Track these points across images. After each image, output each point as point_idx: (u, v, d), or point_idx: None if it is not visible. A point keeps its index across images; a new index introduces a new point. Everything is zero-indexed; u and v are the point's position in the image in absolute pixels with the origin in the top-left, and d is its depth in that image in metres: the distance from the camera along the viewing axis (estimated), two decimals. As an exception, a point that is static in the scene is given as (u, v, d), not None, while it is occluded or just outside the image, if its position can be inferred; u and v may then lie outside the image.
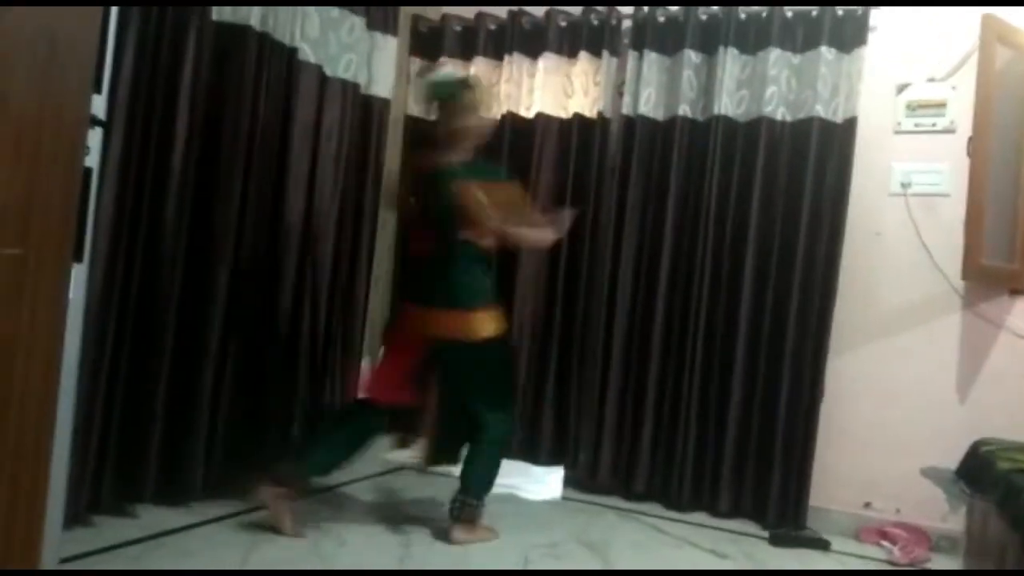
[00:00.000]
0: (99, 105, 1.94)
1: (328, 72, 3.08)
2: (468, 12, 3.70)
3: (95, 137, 1.92)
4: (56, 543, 1.85)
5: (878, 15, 3.11)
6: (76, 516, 2.28)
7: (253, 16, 2.70)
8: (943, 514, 2.96)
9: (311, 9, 2.97)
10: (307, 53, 2.96)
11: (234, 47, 2.66)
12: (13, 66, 1.24)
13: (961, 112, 3.00)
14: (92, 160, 1.91)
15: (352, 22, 3.18)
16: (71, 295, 1.58)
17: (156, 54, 2.43)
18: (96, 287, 2.27)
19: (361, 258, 3.31)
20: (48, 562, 1.65)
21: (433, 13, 3.83)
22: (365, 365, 3.37)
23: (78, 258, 1.85)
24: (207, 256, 2.65)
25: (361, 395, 2.95)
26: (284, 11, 2.82)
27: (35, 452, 1.32)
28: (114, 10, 2.00)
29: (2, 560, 1.24)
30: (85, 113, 1.46)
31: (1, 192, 1.21)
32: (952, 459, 2.67)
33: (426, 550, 2.56)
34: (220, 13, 2.63)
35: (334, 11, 3.10)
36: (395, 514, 2.85)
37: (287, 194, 2.93)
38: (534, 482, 3.48)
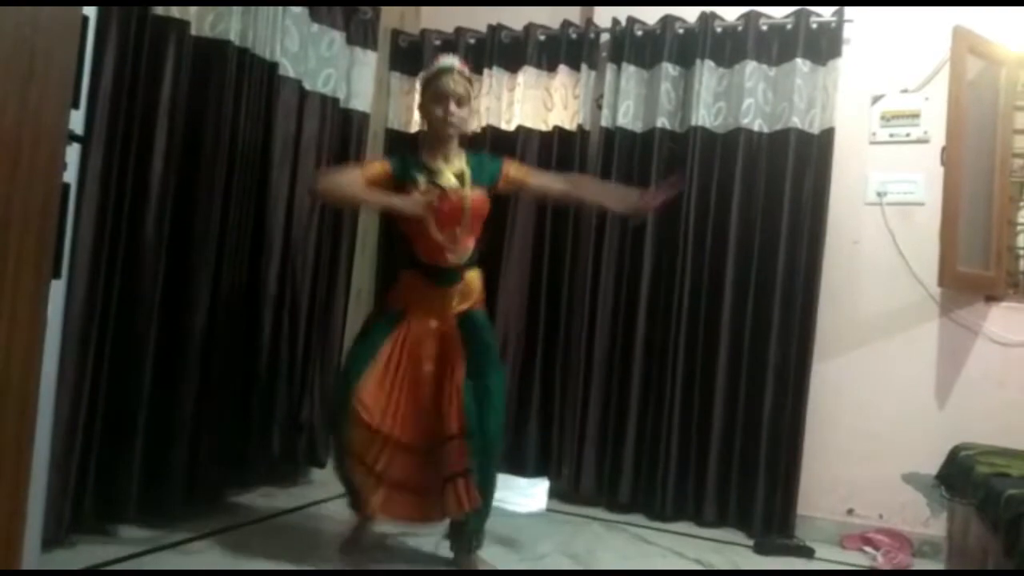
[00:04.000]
0: (77, 120, 1.93)
1: (307, 86, 3.08)
2: (447, 26, 3.72)
3: (73, 153, 1.91)
4: (35, 562, 1.82)
5: (852, 28, 3.17)
6: (56, 537, 2.24)
7: (233, 31, 2.70)
8: (925, 519, 3.01)
9: (291, 24, 2.98)
10: (287, 68, 2.97)
11: (214, 62, 2.66)
12: (-10, 80, 1.23)
13: (934, 122, 3.06)
14: (70, 176, 1.90)
15: (331, 37, 3.19)
16: (49, 312, 1.56)
17: (135, 69, 2.42)
18: (77, 304, 2.25)
19: (339, 273, 3.30)
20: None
21: (412, 28, 3.85)
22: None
23: (56, 274, 1.84)
24: (187, 272, 2.62)
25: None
26: (264, 26, 2.82)
27: (14, 470, 1.29)
28: (92, 25, 2.00)
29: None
30: (64, 128, 1.44)
31: (-22, 207, 1.20)
32: (933, 465, 2.70)
33: (409, 567, 2.53)
34: (200, 28, 2.63)
35: (314, 26, 3.11)
36: (378, 529, 2.82)
37: (267, 208, 2.92)
38: (519, 495, 3.48)
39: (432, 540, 2.65)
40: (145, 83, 2.46)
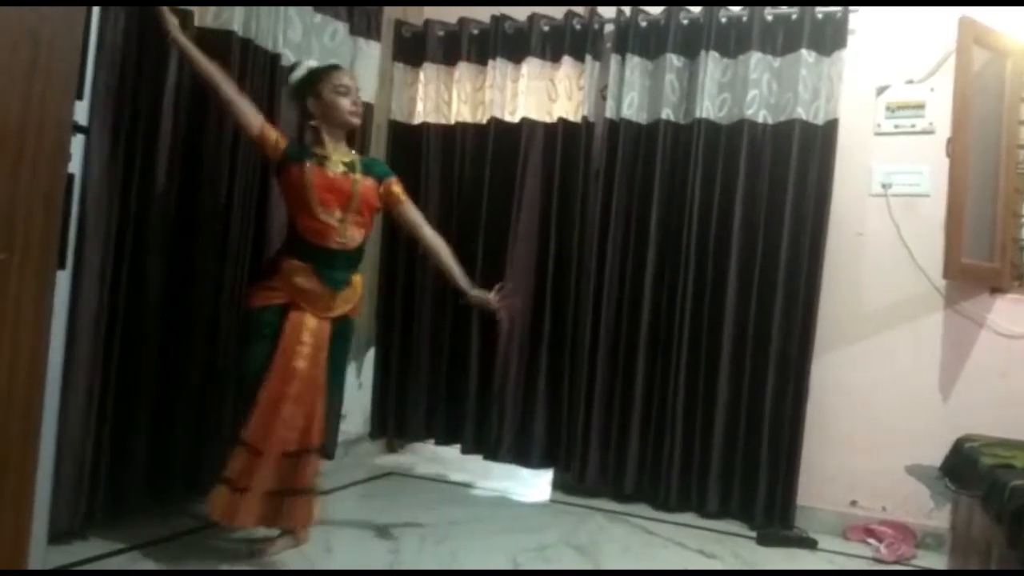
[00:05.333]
0: (81, 111, 1.93)
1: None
2: (451, 17, 3.71)
3: (77, 143, 1.91)
4: (42, 553, 1.83)
5: (857, 18, 3.15)
6: (67, 529, 2.26)
7: (236, 21, 2.69)
8: (928, 511, 3.01)
9: (293, 14, 2.97)
10: (289, 58, 2.95)
11: (217, 52, 2.64)
12: (-5, 70, 1.23)
13: (940, 113, 3.04)
14: (75, 166, 1.91)
15: (335, 27, 3.18)
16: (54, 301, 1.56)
17: (139, 60, 2.42)
18: (84, 296, 2.25)
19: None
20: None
21: (416, 18, 3.83)
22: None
23: (61, 265, 1.84)
24: (193, 261, 2.63)
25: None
26: (267, 17, 2.82)
27: (21, 460, 1.30)
28: (95, 17, 2.00)
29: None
30: (68, 118, 1.45)
31: (-16, 197, 1.20)
32: (936, 457, 2.70)
33: (415, 555, 2.55)
34: (202, 19, 2.63)
35: (316, 16, 3.10)
36: (383, 519, 2.83)
37: (269, 197, 2.92)
38: (523, 484, 3.49)
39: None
40: (149, 73, 2.46)
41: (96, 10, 1.97)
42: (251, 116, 2.39)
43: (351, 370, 3.59)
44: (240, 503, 2.27)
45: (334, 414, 2.43)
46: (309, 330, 2.36)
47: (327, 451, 3.25)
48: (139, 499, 2.53)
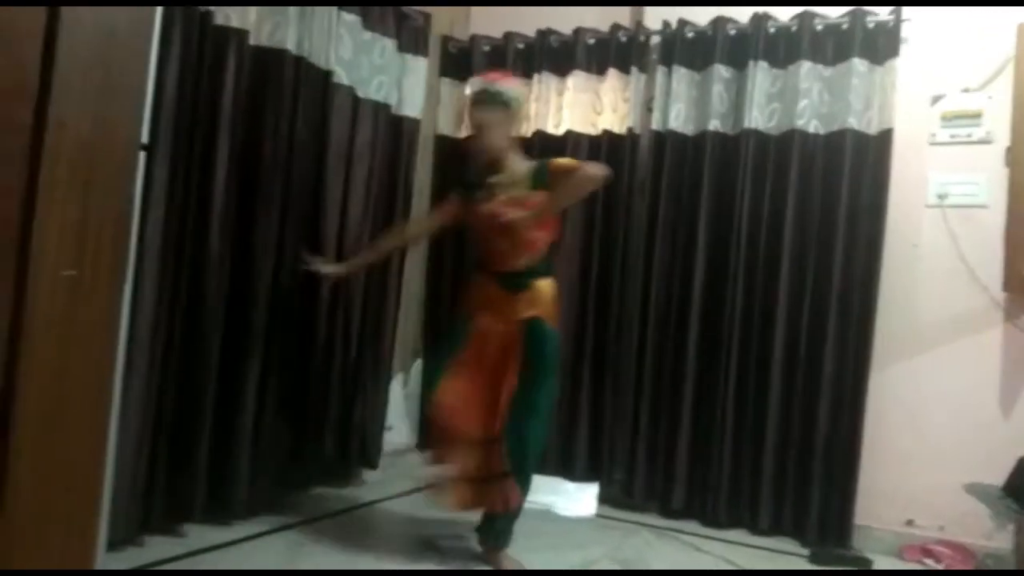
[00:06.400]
0: (142, 128, 1.99)
1: (360, 94, 3.12)
2: (496, 32, 3.74)
3: (139, 161, 1.97)
4: (102, 559, 1.87)
5: (910, 27, 3.09)
6: (127, 536, 2.32)
7: (290, 40, 2.75)
8: (988, 531, 2.90)
9: (344, 32, 3.02)
10: (340, 76, 3.01)
11: (272, 70, 2.72)
12: (70, 92, 1.28)
13: (998, 122, 2.97)
14: (136, 183, 1.96)
15: (383, 44, 3.23)
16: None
17: (197, 78, 2.48)
18: (143, 308, 2.31)
19: (390, 277, 3.33)
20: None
21: (462, 34, 3.87)
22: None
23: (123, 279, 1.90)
24: (248, 277, 2.69)
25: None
26: (319, 35, 2.87)
27: (90, 469, 1.34)
28: (155, 35, 2.05)
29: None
30: (137, 137, 1.50)
31: (59, 214, 1.24)
32: (996, 475, 2.62)
33: (463, 567, 2.55)
34: (257, 37, 2.69)
35: (366, 34, 3.15)
36: (430, 533, 2.84)
37: (322, 213, 2.97)
38: (568, 499, 3.47)
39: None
40: (206, 91, 2.52)
41: (156, 29, 2.03)
42: (424, 226, 2.90)
43: (398, 380, 3.62)
44: (447, 488, 2.56)
45: (538, 423, 2.53)
46: (496, 333, 2.52)
47: (371, 460, 3.29)
48: (195, 507, 2.57)
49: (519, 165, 2.58)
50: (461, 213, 2.66)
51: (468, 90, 2.63)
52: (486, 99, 2.53)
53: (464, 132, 3.76)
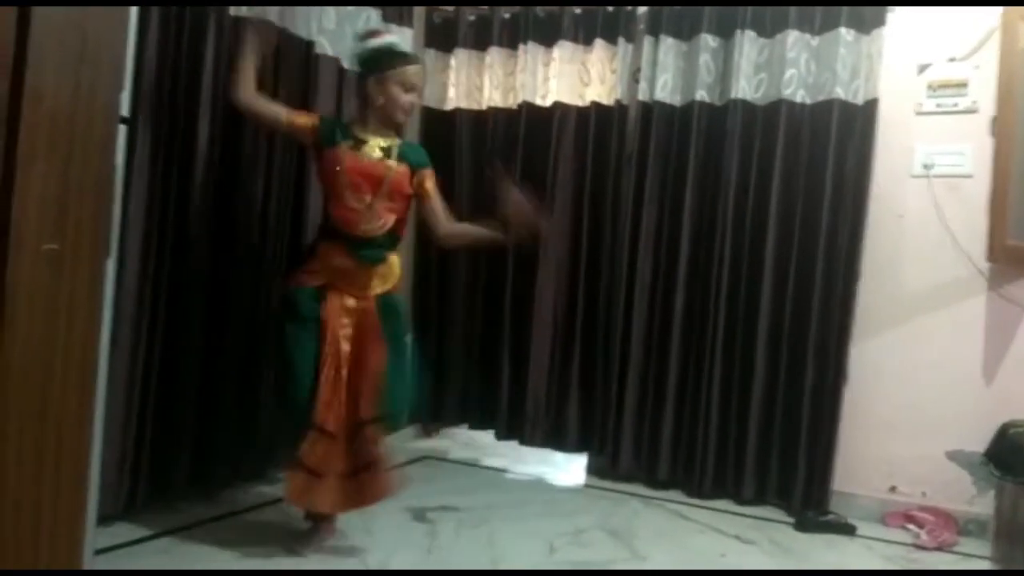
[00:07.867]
0: (123, 102, 1.95)
1: (345, 65, 3.08)
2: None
3: (120, 134, 1.94)
4: (92, 535, 1.88)
5: (897, -5, 3.08)
6: (111, 512, 2.31)
7: (272, 11, 2.70)
8: (970, 497, 2.96)
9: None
10: (324, 46, 2.97)
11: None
12: (45, 61, 1.25)
13: (983, 92, 2.97)
14: (118, 157, 1.93)
15: (368, 14, 3.17)
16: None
17: (177, 50, 2.45)
18: (126, 283, 2.29)
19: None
20: (86, 554, 1.67)
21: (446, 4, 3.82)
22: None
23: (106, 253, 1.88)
24: (232, 250, 2.67)
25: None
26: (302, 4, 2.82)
27: (77, 446, 1.33)
28: (134, 8, 2.02)
29: (48, 550, 1.26)
30: (116, 108, 1.47)
31: (39, 187, 1.23)
32: (978, 442, 2.66)
33: (452, 538, 2.57)
34: (238, 8, 2.64)
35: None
36: (419, 503, 2.86)
37: (306, 185, 2.94)
38: (557, 469, 3.50)
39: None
40: (187, 63, 2.48)
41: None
42: (273, 112, 2.38)
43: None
44: (316, 488, 2.29)
45: (412, 384, 2.44)
46: (349, 311, 2.37)
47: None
48: (181, 483, 2.57)
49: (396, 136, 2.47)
50: (316, 147, 2.39)
51: (382, 44, 2.39)
52: (416, 60, 2.47)
53: (450, 104, 3.74)
